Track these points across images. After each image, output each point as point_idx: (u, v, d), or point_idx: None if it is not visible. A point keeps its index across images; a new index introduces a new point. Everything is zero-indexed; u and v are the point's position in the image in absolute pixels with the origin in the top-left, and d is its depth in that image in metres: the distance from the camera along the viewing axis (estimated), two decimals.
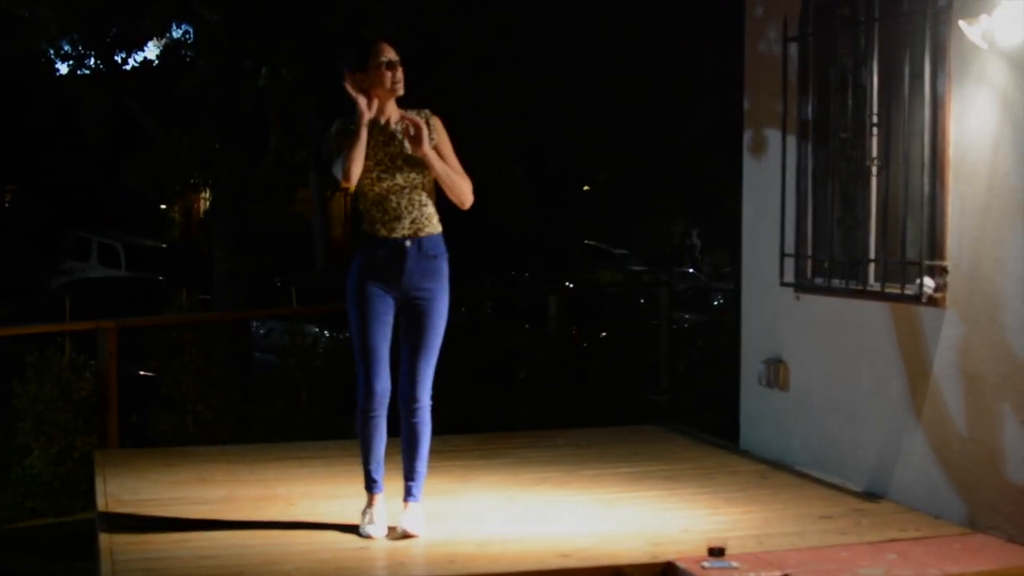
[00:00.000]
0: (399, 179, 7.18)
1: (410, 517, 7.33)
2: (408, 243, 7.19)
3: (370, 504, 7.44)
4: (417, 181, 7.21)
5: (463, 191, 7.25)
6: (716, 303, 24.48)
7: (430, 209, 7.27)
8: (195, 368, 11.85)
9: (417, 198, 7.22)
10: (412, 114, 7.23)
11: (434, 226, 7.28)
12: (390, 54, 7.17)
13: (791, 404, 9.25)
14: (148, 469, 9.17)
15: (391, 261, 7.21)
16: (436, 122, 7.28)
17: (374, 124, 7.18)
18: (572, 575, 6.73)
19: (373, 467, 7.45)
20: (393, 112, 7.25)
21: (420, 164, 7.19)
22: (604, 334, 15.40)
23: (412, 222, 7.20)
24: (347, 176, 7.07)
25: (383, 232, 7.21)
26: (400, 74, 7.19)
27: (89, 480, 9.69)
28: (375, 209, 7.22)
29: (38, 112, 26.64)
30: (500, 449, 9.72)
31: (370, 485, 7.46)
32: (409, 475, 7.41)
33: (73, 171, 32.29)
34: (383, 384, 7.29)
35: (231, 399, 12.18)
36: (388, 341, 7.32)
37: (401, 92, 7.23)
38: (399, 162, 7.18)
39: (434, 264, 7.27)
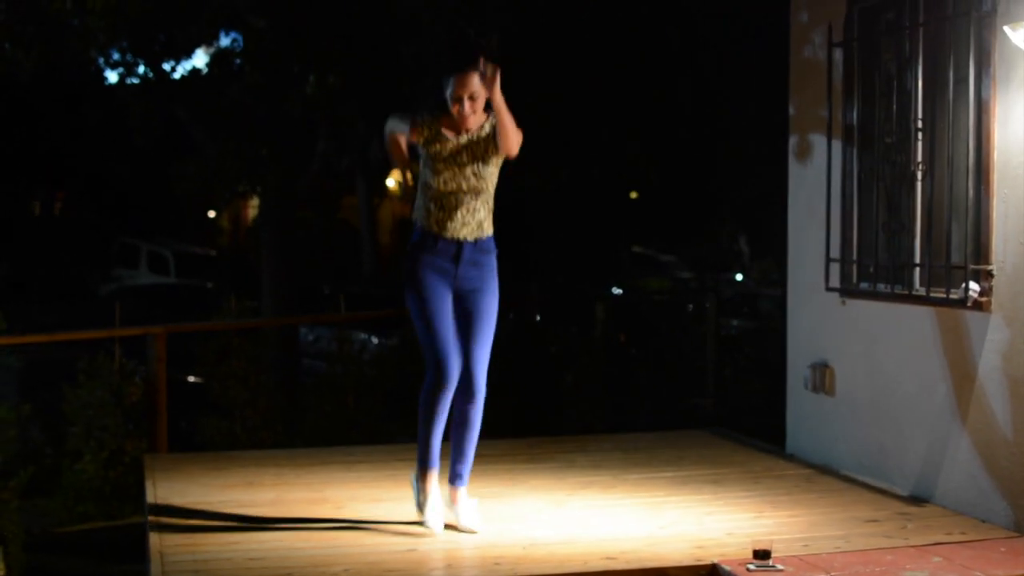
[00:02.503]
0: (465, 187, 7.37)
1: (466, 513, 7.56)
2: (460, 244, 7.39)
3: (424, 481, 7.58)
4: (483, 194, 7.42)
5: (515, 139, 7.29)
6: (764, 309, 24.42)
7: (482, 215, 7.45)
8: (243, 374, 11.94)
9: (476, 206, 7.42)
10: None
11: (485, 231, 7.47)
12: (465, 90, 7.23)
13: (837, 408, 9.25)
14: (197, 473, 9.25)
15: (444, 256, 7.40)
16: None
17: (442, 135, 7.35)
18: None
19: (433, 444, 7.54)
20: (476, 122, 7.37)
21: (487, 176, 7.40)
22: (651, 340, 15.43)
23: (464, 225, 7.40)
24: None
25: (436, 229, 7.40)
26: (474, 107, 7.26)
27: (139, 484, 9.78)
28: (434, 206, 7.41)
29: (87, 120, 26.82)
30: (547, 453, 9.76)
31: (429, 460, 7.55)
32: (459, 457, 7.58)
33: (122, 178, 32.48)
34: (452, 364, 7.36)
35: (279, 405, 12.26)
36: (451, 323, 7.44)
37: (471, 125, 7.34)
38: (469, 172, 7.37)
39: (483, 258, 7.47)
